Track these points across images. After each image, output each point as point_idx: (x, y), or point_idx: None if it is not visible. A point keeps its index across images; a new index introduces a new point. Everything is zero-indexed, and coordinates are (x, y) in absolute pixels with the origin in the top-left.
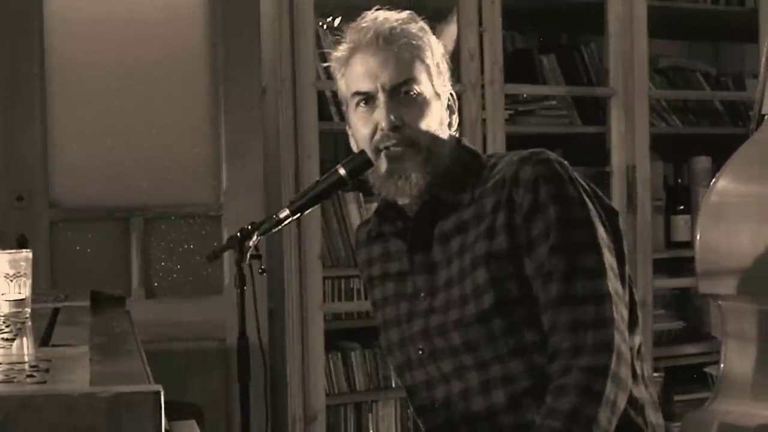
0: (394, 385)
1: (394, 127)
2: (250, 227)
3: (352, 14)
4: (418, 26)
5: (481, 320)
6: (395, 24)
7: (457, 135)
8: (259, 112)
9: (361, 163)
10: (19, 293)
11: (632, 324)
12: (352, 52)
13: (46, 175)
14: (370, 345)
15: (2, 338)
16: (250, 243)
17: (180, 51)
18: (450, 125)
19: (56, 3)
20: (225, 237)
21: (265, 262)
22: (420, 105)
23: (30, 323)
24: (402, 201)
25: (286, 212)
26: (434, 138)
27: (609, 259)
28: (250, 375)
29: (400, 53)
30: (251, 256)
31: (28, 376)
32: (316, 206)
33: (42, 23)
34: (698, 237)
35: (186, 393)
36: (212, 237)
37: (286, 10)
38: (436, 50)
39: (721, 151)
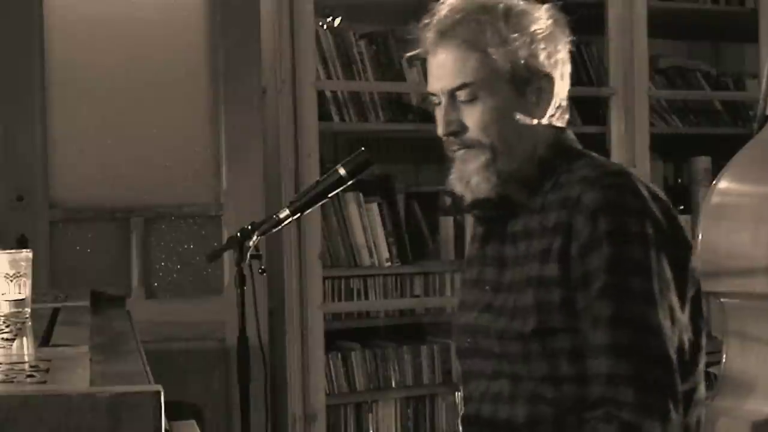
0: (394, 385)
1: (451, 133)
2: (250, 227)
3: (351, 14)
4: (486, 10)
5: (521, 340)
6: (457, 16)
7: (559, 122)
8: (259, 112)
9: (361, 163)
10: (19, 293)
11: (692, 366)
12: (424, 48)
13: (46, 175)
14: (370, 345)
15: (2, 338)
16: (250, 243)
17: (180, 51)
18: (538, 111)
19: (56, 3)
20: (225, 237)
21: (265, 262)
22: (482, 106)
23: (30, 323)
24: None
25: (286, 212)
26: (504, 137)
27: (668, 302)
28: (250, 375)
29: (458, 53)
30: (251, 256)
31: (28, 376)
32: (316, 206)
33: (42, 23)
34: (700, 236)
35: (186, 393)
36: (212, 237)
37: (286, 10)
38: (514, 34)
39: (721, 151)
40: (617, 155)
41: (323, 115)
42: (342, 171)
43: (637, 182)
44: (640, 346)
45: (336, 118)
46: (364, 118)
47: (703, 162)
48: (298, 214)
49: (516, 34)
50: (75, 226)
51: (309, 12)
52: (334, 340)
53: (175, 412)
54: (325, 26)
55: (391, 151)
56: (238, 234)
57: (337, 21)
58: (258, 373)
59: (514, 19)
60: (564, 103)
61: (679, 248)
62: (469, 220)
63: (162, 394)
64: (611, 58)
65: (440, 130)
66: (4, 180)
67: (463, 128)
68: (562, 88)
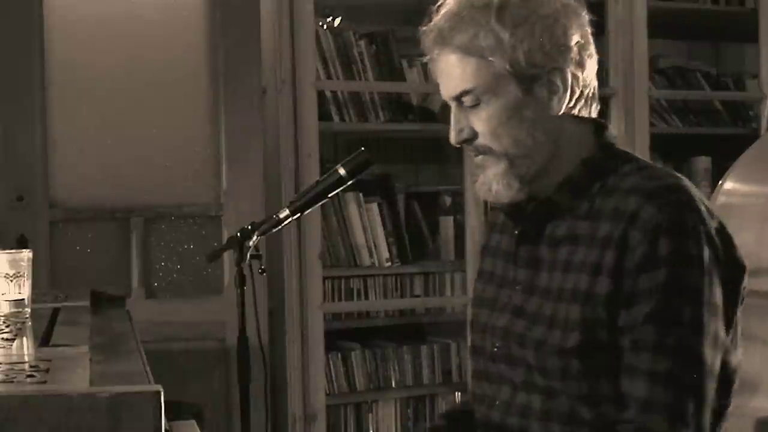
0: (394, 385)
1: (463, 141)
2: (250, 227)
3: (351, 14)
4: (480, 10)
5: (561, 355)
6: (451, 21)
7: (584, 112)
8: (259, 112)
9: (361, 163)
10: (19, 293)
11: (728, 384)
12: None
13: (46, 175)
14: (370, 345)
15: (2, 338)
16: (250, 243)
17: (180, 51)
18: (553, 107)
19: (56, 3)
20: (225, 237)
21: (265, 262)
22: (487, 111)
23: (30, 323)
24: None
25: (286, 212)
26: (516, 140)
27: (714, 328)
28: (250, 375)
29: (455, 60)
30: (251, 256)
31: (28, 376)
32: (316, 206)
33: (42, 23)
34: None
35: (186, 393)
36: (212, 237)
37: (286, 11)
38: (510, 33)
39: (721, 151)
40: None
41: (323, 115)
42: (342, 171)
43: (695, 198)
44: (679, 376)
45: (336, 118)
46: (364, 118)
47: (703, 162)
48: (298, 214)
49: (512, 32)
50: (75, 226)
51: (309, 12)
52: (334, 340)
53: (175, 412)
54: (325, 26)
55: (391, 151)
56: (238, 234)
57: (337, 21)
58: (258, 373)
59: (509, 15)
60: (588, 91)
61: (733, 269)
62: (469, 221)
63: (162, 394)
64: (611, 58)
65: (451, 138)
66: (4, 180)
67: (474, 134)
68: (581, 74)
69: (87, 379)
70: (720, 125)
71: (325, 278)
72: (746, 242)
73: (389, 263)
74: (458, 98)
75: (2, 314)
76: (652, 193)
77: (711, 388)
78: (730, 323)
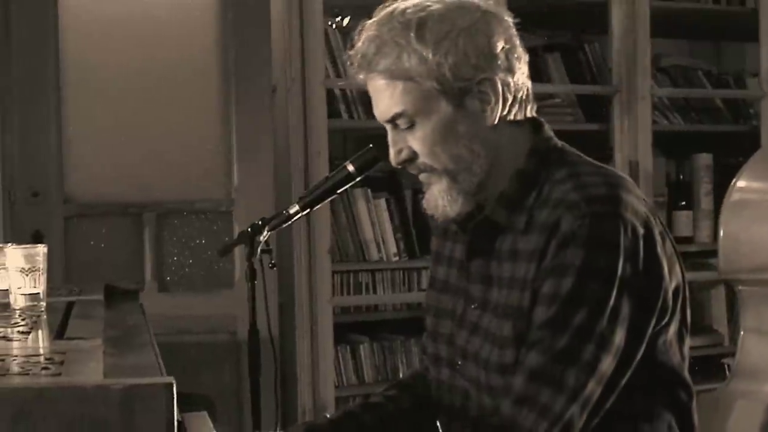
0: (401, 377)
1: (402, 162)
2: (260, 222)
3: (360, 14)
4: (399, 31)
5: (502, 372)
6: (372, 47)
7: (519, 116)
8: (270, 110)
9: (369, 160)
10: (34, 287)
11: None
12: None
13: (61, 171)
14: (379, 338)
15: (18, 331)
16: (261, 238)
17: (192, 51)
18: (487, 117)
19: (71, 4)
20: (236, 232)
21: (275, 257)
22: (425, 132)
23: (45, 316)
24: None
25: (296, 208)
26: (454, 156)
27: (610, 339)
28: (261, 367)
29: (382, 84)
30: (262, 250)
31: (43, 368)
32: (325, 202)
33: (57, 24)
34: (721, 230)
35: (198, 385)
36: (223, 232)
37: (295, 11)
38: (432, 49)
39: (722, 148)
40: (620, 152)
41: (332, 113)
42: (351, 167)
43: (620, 207)
44: (556, 376)
45: (345, 115)
46: (373, 115)
47: (704, 159)
48: (308, 210)
49: (434, 50)
50: (89, 221)
51: (318, 12)
52: (343, 333)
53: (187, 404)
54: (334, 26)
55: None
56: (249, 229)
57: (346, 20)
58: (268, 366)
59: (429, 32)
60: (521, 94)
61: (651, 281)
62: None
63: (174, 386)
64: (614, 57)
65: (391, 160)
66: (21, 176)
67: (414, 154)
68: (511, 80)
69: (101, 371)
70: (721, 123)
71: (334, 272)
72: (760, 237)
73: (397, 258)
74: (392, 121)
75: (18, 307)
76: (573, 204)
77: (594, 391)
78: (642, 335)
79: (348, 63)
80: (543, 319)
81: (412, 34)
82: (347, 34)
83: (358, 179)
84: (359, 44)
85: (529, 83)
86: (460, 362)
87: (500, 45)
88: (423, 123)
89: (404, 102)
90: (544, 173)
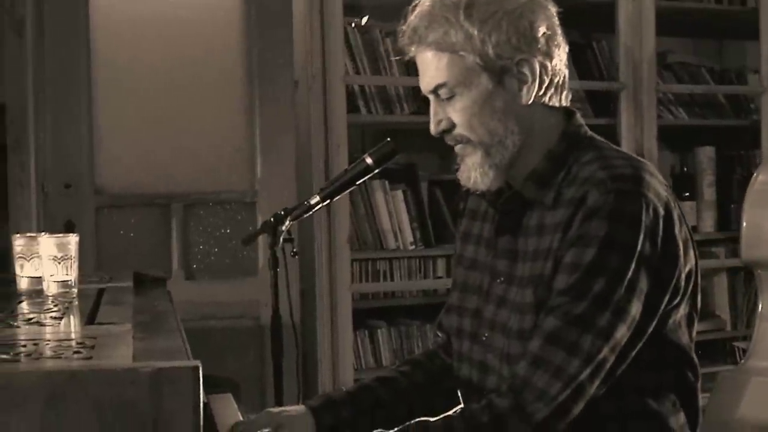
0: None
1: (442, 132)
2: (282, 213)
3: (379, 14)
4: (450, 8)
5: (520, 337)
6: (424, 20)
7: (554, 101)
8: (292, 106)
9: (387, 153)
10: (67, 275)
11: (687, 388)
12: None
13: (92, 164)
14: (396, 323)
15: (51, 317)
16: (283, 227)
17: (217, 48)
18: (523, 96)
19: (101, 5)
20: (259, 222)
21: (297, 246)
22: (464, 103)
23: (77, 303)
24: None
25: (317, 199)
26: (489, 129)
27: (627, 310)
28: (283, 351)
29: (429, 56)
30: (284, 239)
31: (75, 352)
32: (344, 193)
33: (88, 24)
34: (744, 219)
35: (223, 368)
36: (247, 222)
37: (316, 11)
38: (478, 28)
39: (724, 141)
40: (627, 145)
41: (352, 108)
42: (369, 160)
43: (644, 187)
44: (575, 341)
45: (364, 110)
46: (390, 110)
47: (707, 151)
48: (328, 201)
49: (480, 28)
50: (119, 211)
51: (338, 12)
52: (361, 318)
53: (213, 386)
54: (353, 25)
55: (415, 141)
56: (272, 219)
57: (365, 20)
58: (290, 350)
59: (477, 11)
60: (558, 79)
61: (667, 261)
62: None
63: (200, 369)
64: (621, 54)
65: (431, 129)
66: (54, 169)
67: (452, 125)
68: (549, 64)
69: (130, 355)
70: (723, 117)
71: (353, 261)
72: None
73: (413, 246)
74: (435, 91)
75: (51, 294)
76: (599, 181)
77: (607, 358)
78: (655, 310)
79: (399, 35)
80: (563, 286)
81: (461, 12)
82: (366, 33)
83: (376, 171)
84: (411, 18)
85: (566, 71)
86: (486, 335)
87: (542, 30)
88: (463, 95)
89: (448, 74)
90: (573, 155)
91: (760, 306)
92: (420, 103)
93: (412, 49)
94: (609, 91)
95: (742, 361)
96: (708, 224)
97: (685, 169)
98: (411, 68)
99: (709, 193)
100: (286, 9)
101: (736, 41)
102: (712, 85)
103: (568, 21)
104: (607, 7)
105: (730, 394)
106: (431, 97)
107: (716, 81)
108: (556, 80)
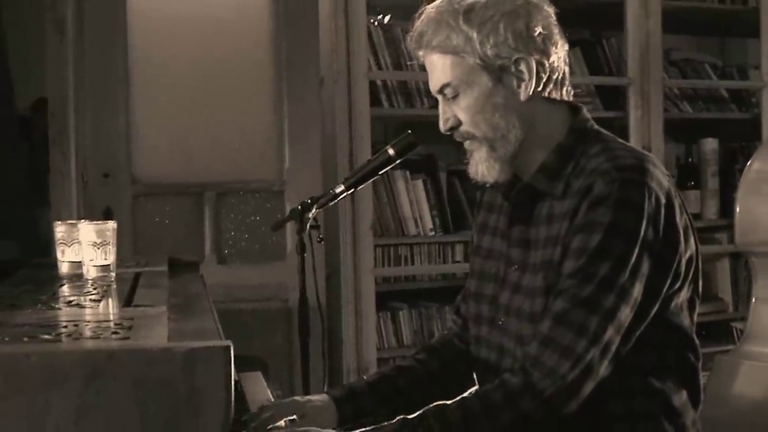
0: (430, 342)
1: (450, 129)
2: (309, 201)
3: (400, 13)
4: (451, 13)
5: (532, 320)
6: (428, 25)
7: (555, 95)
8: (318, 100)
9: (408, 144)
10: (105, 259)
11: (688, 371)
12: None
13: (129, 155)
14: (416, 305)
15: (90, 299)
16: (310, 215)
17: (247, 46)
18: (521, 93)
19: (138, 4)
20: (287, 210)
21: (322, 232)
22: (467, 102)
23: (114, 286)
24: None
25: (342, 188)
26: (492, 125)
27: (630, 291)
28: (310, 332)
29: (433, 58)
30: (310, 226)
31: (113, 332)
32: (368, 182)
33: (125, 22)
34: (738, 207)
35: (252, 348)
36: (276, 210)
37: (341, 10)
38: (477, 31)
39: (726, 134)
40: (635, 137)
41: (374, 102)
42: (391, 151)
43: (648, 177)
44: (582, 322)
45: (386, 104)
46: (411, 104)
47: (710, 143)
48: (352, 190)
49: (478, 30)
50: (155, 200)
51: (361, 11)
52: (384, 301)
53: (243, 365)
54: (376, 23)
55: (435, 133)
56: (299, 207)
57: (387, 19)
58: (316, 330)
59: (475, 16)
60: (557, 76)
61: (668, 247)
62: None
63: (231, 348)
64: (629, 51)
65: (440, 127)
66: (93, 160)
67: (459, 122)
68: (546, 61)
69: (165, 335)
70: (726, 111)
71: (376, 246)
72: None
73: (433, 233)
74: (441, 91)
75: (90, 278)
76: (605, 171)
77: (613, 338)
78: (657, 293)
79: (408, 40)
80: (570, 270)
81: (460, 17)
82: (387, 32)
83: (397, 162)
84: (418, 24)
85: (566, 68)
86: (502, 319)
87: (537, 30)
88: (466, 93)
89: (451, 74)
90: (581, 148)
91: (754, 292)
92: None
93: (420, 52)
94: (618, 86)
95: (737, 345)
96: (711, 211)
97: (690, 159)
98: None
99: (712, 182)
100: (312, 9)
101: (737, 39)
102: (715, 81)
103: (579, 20)
104: (616, 7)
105: (726, 377)
106: (439, 97)
107: (719, 76)
108: (554, 76)
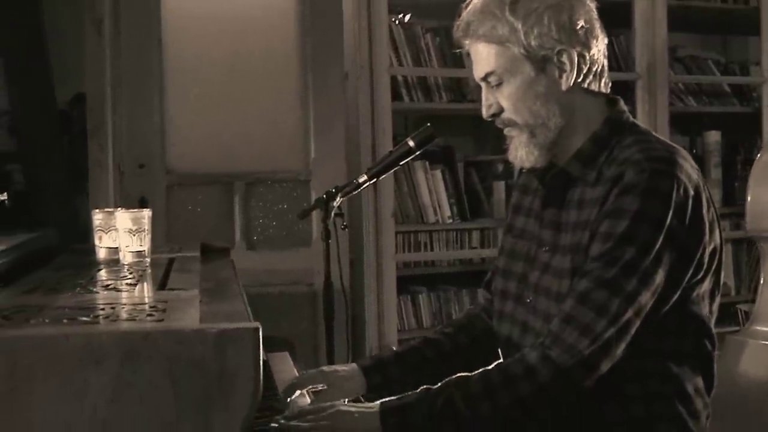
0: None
1: (491, 115)
2: (334, 190)
3: (419, 12)
4: (497, 4)
5: (558, 299)
6: (475, 15)
7: (593, 86)
8: (342, 94)
9: (427, 137)
10: (140, 246)
11: (704, 359)
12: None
13: (164, 146)
14: (435, 289)
15: (126, 283)
16: (334, 203)
17: (274, 43)
18: (562, 83)
19: (172, 4)
20: (313, 198)
21: (346, 220)
22: (510, 89)
23: (149, 271)
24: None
25: (365, 177)
26: (533, 112)
27: (653, 276)
28: (334, 314)
29: (480, 47)
30: (335, 214)
31: (148, 315)
32: (389, 172)
33: (159, 20)
34: (749, 196)
35: (280, 329)
36: (302, 198)
37: (364, 9)
38: (522, 22)
39: (729, 127)
40: None
41: (395, 97)
42: (411, 143)
43: (677, 168)
44: (604, 304)
45: (406, 99)
46: (430, 98)
47: (714, 136)
48: (375, 179)
49: (523, 21)
50: (187, 189)
51: (383, 10)
52: (404, 284)
53: (271, 345)
54: (397, 22)
55: (453, 126)
56: (324, 196)
57: (408, 17)
58: (340, 313)
59: (521, 7)
60: (596, 68)
61: (693, 238)
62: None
63: (260, 330)
64: (637, 48)
65: (483, 113)
66: (129, 151)
67: (501, 109)
68: (587, 54)
69: (197, 317)
70: (728, 105)
71: (397, 233)
72: None
73: (451, 220)
74: (485, 79)
75: (126, 263)
76: (636, 161)
77: (632, 320)
78: (679, 282)
79: (454, 30)
80: (596, 253)
81: (506, 8)
82: (408, 29)
83: (417, 153)
84: (464, 14)
85: (604, 60)
86: (530, 297)
87: (580, 23)
88: (509, 82)
89: (496, 63)
90: (615, 138)
91: (762, 274)
92: (456, 92)
93: (466, 41)
94: (626, 81)
95: (745, 326)
96: (714, 200)
97: (694, 151)
98: (449, 61)
99: (715, 172)
100: (336, 7)
101: (739, 36)
102: (718, 76)
103: None
104: (624, 6)
105: (734, 356)
106: (483, 84)
107: (722, 72)
108: (594, 68)
